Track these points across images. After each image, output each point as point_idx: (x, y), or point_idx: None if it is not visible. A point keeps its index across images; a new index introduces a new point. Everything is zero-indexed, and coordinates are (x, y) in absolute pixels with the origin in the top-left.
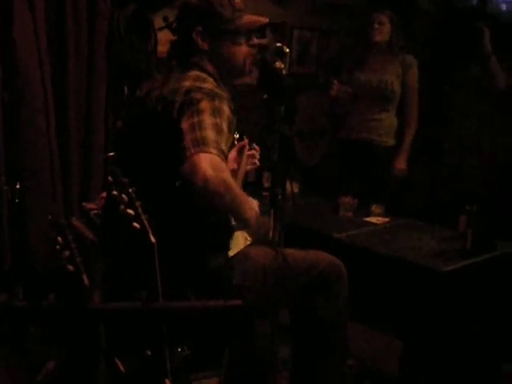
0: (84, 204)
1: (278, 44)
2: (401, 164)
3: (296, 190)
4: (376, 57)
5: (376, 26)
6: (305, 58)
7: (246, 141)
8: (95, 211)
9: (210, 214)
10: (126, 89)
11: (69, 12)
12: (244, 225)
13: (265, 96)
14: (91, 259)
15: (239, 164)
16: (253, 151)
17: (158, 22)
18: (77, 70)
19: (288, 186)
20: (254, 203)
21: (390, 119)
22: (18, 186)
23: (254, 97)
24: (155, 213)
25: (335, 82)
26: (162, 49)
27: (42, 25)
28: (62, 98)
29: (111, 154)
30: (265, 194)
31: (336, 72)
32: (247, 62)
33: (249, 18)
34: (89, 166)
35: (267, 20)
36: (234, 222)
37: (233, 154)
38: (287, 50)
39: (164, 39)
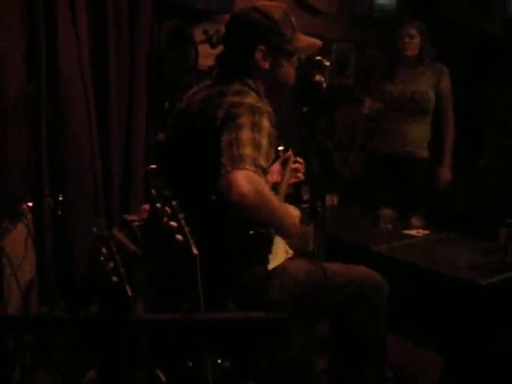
0: (125, 216)
1: (318, 57)
2: (446, 173)
3: (335, 202)
4: (407, 69)
5: (407, 39)
6: (343, 70)
7: (291, 153)
8: (136, 223)
9: (249, 226)
10: (166, 103)
11: (111, 27)
12: (285, 235)
13: (305, 109)
14: (134, 270)
15: (283, 176)
16: (297, 164)
17: (199, 35)
18: (118, 83)
19: (328, 198)
20: (295, 211)
21: (424, 130)
22: (60, 199)
23: (294, 110)
24: (196, 224)
25: (367, 99)
26: (203, 62)
27: (85, 40)
28: (104, 111)
29: (152, 166)
30: (304, 206)
31: (367, 86)
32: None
33: (306, 40)
34: (130, 178)
35: (321, 42)
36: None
37: (276, 166)
38: (327, 63)
39: (204, 52)
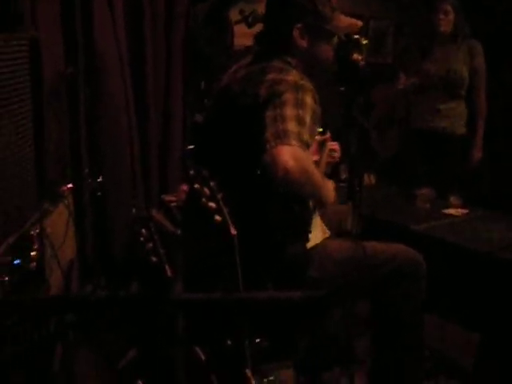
0: (163, 196)
1: (356, 36)
2: (478, 152)
3: (373, 182)
4: (442, 46)
5: (441, 15)
6: (381, 47)
7: (329, 134)
8: (174, 203)
9: (290, 202)
10: (202, 83)
11: (146, 9)
12: (322, 205)
13: (342, 88)
14: (172, 250)
15: (321, 156)
16: (334, 145)
17: (235, 15)
18: (155, 66)
19: (365, 177)
20: (331, 186)
21: (460, 107)
22: (100, 180)
23: (332, 89)
24: (235, 203)
25: (401, 75)
26: (238, 42)
27: (121, 23)
28: (141, 94)
29: (190, 147)
30: (342, 185)
31: (404, 64)
32: (330, 67)
33: (345, 21)
34: (167, 159)
35: (361, 23)
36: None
37: (313, 146)
38: (365, 42)
39: (240, 32)
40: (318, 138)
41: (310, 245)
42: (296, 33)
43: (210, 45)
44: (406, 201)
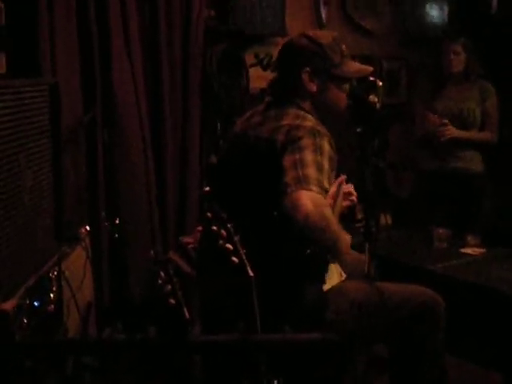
0: (181, 238)
1: (371, 78)
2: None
3: (389, 222)
4: (454, 85)
5: (452, 56)
6: (394, 88)
7: (344, 177)
8: (191, 245)
9: (307, 246)
10: (218, 125)
11: (163, 53)
12: (339, 261)
13: (358, 129)
14: (190, 292)
15: (336, 199)
16: (350, 188)
17: (250, 58)
18: (172, 108)
19: (381, 218)
20: (348, 239)
21: (474, 146)
22: (117, 222)
23: (346, 130)
24: (251, 246)
25: (431, 114)
26: (253, 85)
27: (139, 68)
28: (159, 137)
29: (207, 189)
30: (358, 225)
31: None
32: (344, 112)
33: (355, 66)
34: (184, 200)
35: (372, 68)
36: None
37: (332, 189)
38: (380, 84)
39: (255, 76)
40: (335, 180)
41: (326, 287)
42: (305, 77)
43: (225, 87)
44: (423, 241)
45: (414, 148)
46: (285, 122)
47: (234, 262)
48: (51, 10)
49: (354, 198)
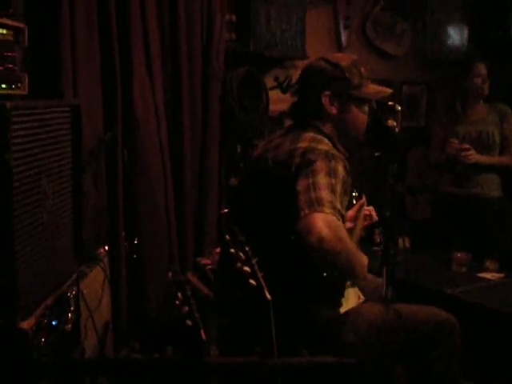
0: (199, 259)
1: (390, 102)
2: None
3: (408, 245)
4: (473, 109)
5: (480, 79)
6: (414, 112)
7: (364, 199)
8: (209, 266)
9: (323, 269)
10: (238, 147)
11: (184, 74)
12: (353, 279)
13: (377, 153)
14: (207, 314)
15: (356, 222)
16: (370, 209)
17: (269, 81)
18: (192, 130)
19: (400, 241)
20: (365, 260)
21: (492, 170)
22: (135, 243)
23: (366, 153)
24: (269, 268)
25: (453, 139)
26: (273, 108)
27: (159, 88)
28: (178, 156)
29: (225, 210)
30: (376, 249)
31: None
32: (363, 134)
33: (374, 88)
34: (203, 221)
35: (391, 90)
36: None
37: (351, 213)
38: (399, 108)
39: (275, 98)
40: (356, 203)
41: (343, 309)
42: (325, 100)
43: (245, 110)
44: (441, 264)
45: (432, 171)
46: (300, 145)
47: (251, 284)
48: (73, 31)
49: (373, 217)
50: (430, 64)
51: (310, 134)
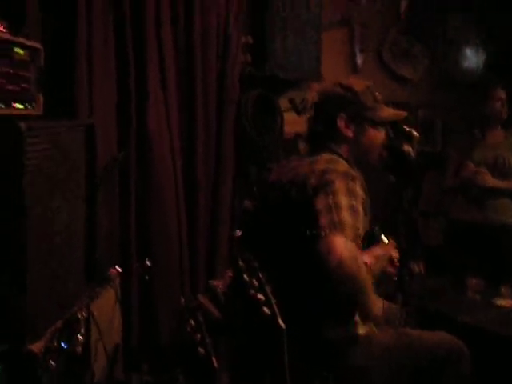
0: (210, 281)
1: (407, 128)
2: None
3: (422, 271)
4: (489, 133)
5: (499, 103)
6: (429, 136)
7: (392, 243)
8: (221, 289)
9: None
10: (253, 170)
11: (199, 97)
12: (366, 314)
13: (392, 178)
14: (219, 339)
15: (379, 259)
16: (396, 254)
17: (284, 103)
18: (206, 151)
19: (414, 267)
20: (380, 303)
21: (508, 196)
22: (148, 263)
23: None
24: (281, 290)
25: (469, 163)
26: (288, 130)
27: (174, 107)
28: (192, 177)
29: (239, 233)
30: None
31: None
32: (382, 153)
33: (389, 111)
34: (215, 243)
35: (406, 113)
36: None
37: (378, 251)
38: (416, 134)
39: (289, 120)
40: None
41: (356, 330)
42: (341, 122)
43: (259, 132)
44: (456, 291)
45: (446, 196)
46: (317, 167)
47: (265, 312)
48: (90, 51)
49: (393, 270)
50: (445, 87)
51: (327, 156)
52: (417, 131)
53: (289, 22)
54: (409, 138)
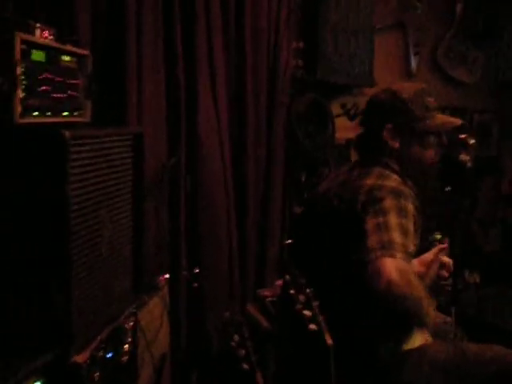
0: (259, 291)
1: (463, 135)
2: None
3: (478, 280)
4: None
5: None
6: (485, 141)
7: (447, 245)
8: (270, 298)
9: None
10: (303, 175)
11: (249, 101)
12: (419, 325)
13: (447, 188)
14: (266, 350)
15: (430, 267)
16: (449, 260)
17: (336, 108)
18: (256, 157)
19: (470, 276)
20: (432, 312)
21: None
22: (196, 271)
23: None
24: (329, 307)
25: None
26: (340, 135)
27: (224, 112)
28: (242, 184)
29: (289, 241)
30: (445, 283)
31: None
32: (434, 165)
33: (442, 119)
34: (265, 250)
35: (460, 121)
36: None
37: (428, 256)
38: (472, 142)
39: (341, 126)
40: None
41: (407, 346)
42: (386, 134)
43: (310, 137)
44: (510, 301)
45: (503, 202)
46: (367, 182)
47: (311, 329)
48: (140, 58)
49: (446, 273)
50: (502, 91)
51: (377, 170)
52: (473, 137)
53: (340, 25)
54: (465, 145)
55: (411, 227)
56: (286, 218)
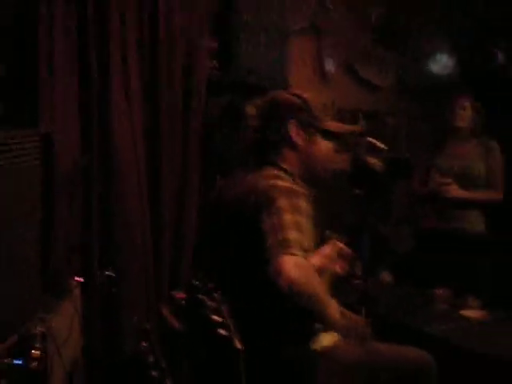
0: (173, 292)
1: (372, 139)
2: None
3: (389, 280)
4: (457, 142)
5: (458, 111)
6: (396, 143)
7: (344, 243)
8: (183, 301)
9: (298, 313)
10: (219, 178)
11: (164, 100)
12: (326, 324)
13: (357, 191)
14: (178, 351)
15: (329, 261)
16: (343, 246)
17: (251, 110)
18: (170, 159)
19: (381, 276)
20: (335, 307)
21: (475, 205)
22: (109, 273)
23: (344, 192)
24: (237, 307)
25: (435, 173)
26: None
27: (138, 114)
28: (156, 186)
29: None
30: (357, 282)
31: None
32: (331, 167)
33: (336, 125)
34: (180, 251)
35: (356, 128)
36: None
37: (326, 250)
38: (381, 146)
39: None
40: (332, 245)
41: (316, 346)
42: (292, 128)
43: (226, 139)
44: (422, 301)
45: (414, 204)
46: (260, 184)
47: (221, 334)
48: (51, 58)
49: (348, 254)
50: (413, 95)
51: (270, 171)
52: (383, 141)
53: (252, 25)
54: (374, 149)
55: (307, 224)
56: (200, 219)
